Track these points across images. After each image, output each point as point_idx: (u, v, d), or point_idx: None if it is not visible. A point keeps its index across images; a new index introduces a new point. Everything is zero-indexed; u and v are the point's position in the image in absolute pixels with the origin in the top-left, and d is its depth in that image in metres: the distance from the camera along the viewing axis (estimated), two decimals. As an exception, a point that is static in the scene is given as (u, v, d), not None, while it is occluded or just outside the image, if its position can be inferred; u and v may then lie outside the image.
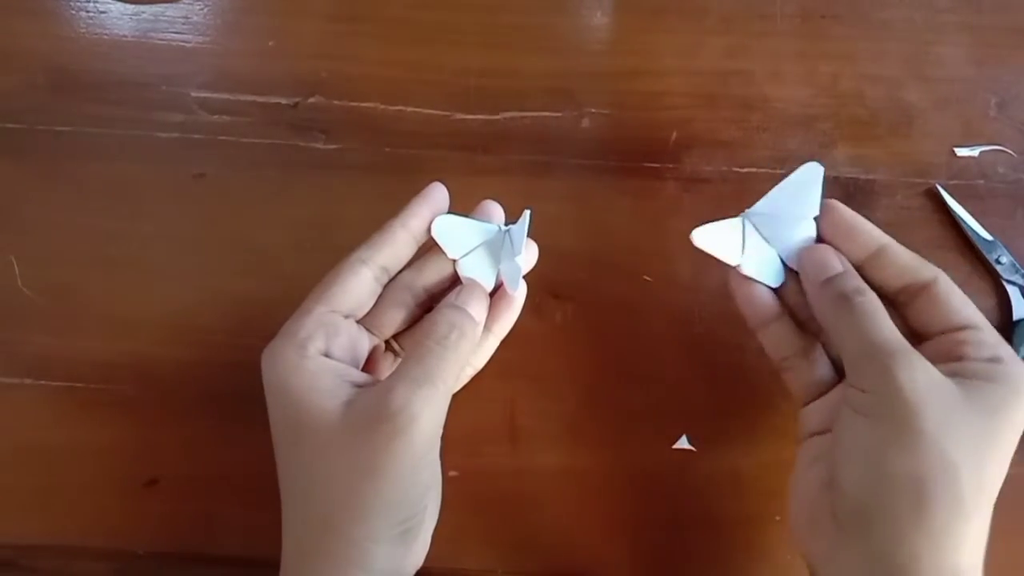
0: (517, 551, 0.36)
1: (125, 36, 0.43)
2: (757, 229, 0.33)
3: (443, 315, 0.30)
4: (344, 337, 0.30)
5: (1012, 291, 0.38)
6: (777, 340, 0.33)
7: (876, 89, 0.42)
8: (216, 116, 0.41)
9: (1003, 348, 0.29)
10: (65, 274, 0.39)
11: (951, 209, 0.39)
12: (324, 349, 0.29)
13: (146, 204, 0.40)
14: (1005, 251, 0.38)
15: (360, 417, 0.27)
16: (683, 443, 0.36)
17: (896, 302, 0.31)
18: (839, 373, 0.32)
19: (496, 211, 0.33)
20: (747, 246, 0.32)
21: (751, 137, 0.41)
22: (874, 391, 0.27)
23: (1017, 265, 0.38)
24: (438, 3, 0.43)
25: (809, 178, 0.32)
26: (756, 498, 0.35)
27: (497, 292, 0.33)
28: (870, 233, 0.31)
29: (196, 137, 0.41)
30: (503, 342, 0.34)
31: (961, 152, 0.41)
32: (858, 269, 0.31)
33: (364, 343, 0.31)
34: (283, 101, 0.41)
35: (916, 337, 0.30)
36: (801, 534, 0.30)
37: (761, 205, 0.33)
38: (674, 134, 0.41)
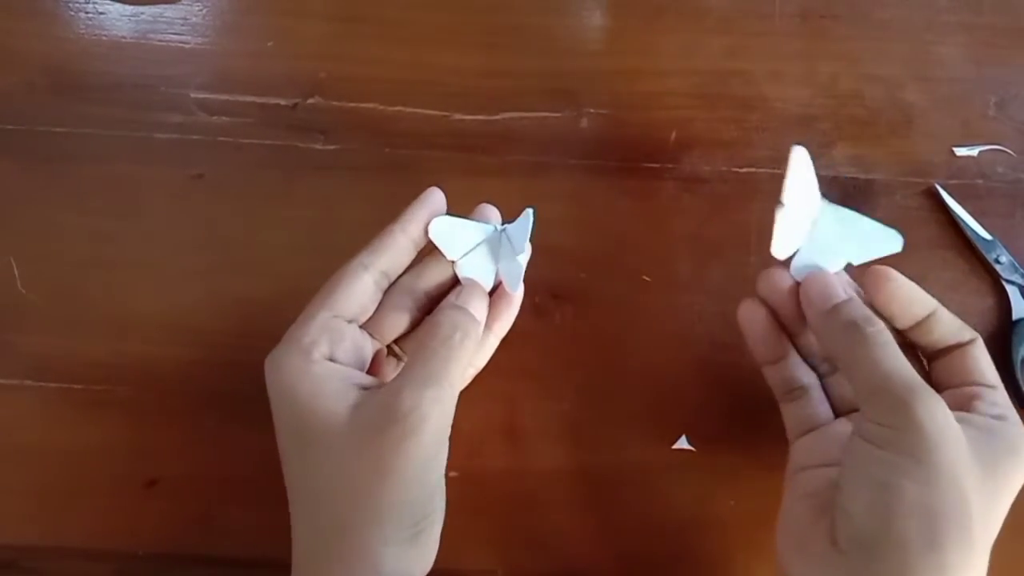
0: (517, 551, 0.36)
1: (124, 37, 0.43)
2: (818, 222, 0.32)
3: (446, 316, 0.30)
4: (348, 342, 0.30)
5: (1011, 290, 0.38)
6: (782, 378, 0.33)
7: (875, 89, 0.42)
8: (215, 117, 0.41)
9: (1012, 412, 0.29)
10: (64, 275, 0.39)
11: (950, 209, 0.39)
12: (329, 354, 0.29)
13: (145, 205, 0.40)
14: (1004, 251, 0.38)
15: (369, 420, 0.27)
16: (683, 443, 0.36)
17: (928, 355, 0.32)
18: (836, 411, 0.33)
19: (492, 213, 0.33)
20: (808, 230, 0.32)
21: (750, 137, 0.41)
22: (892, 425, 0.27)
23: (1016, 264, 0.38)
24: (437, 4, 0.43)
25: (887, 241, 0.31)
26: (756, 498, 0.35)
27: (496, 291, 0.33)
28: (924, 302, 0.31)
29: (195, 138, 0.41)
30: (503, 342, 0.34)
31: (960, 152, 0.41)
32: (904, 332, 0.31)
33: (367, 347, 0.31)
34: (282, 102, 0.41)
35: (932, 385, 0.30)
36: (789, 558, 0.30)
37: (838, 211, 0.32)
38: (673, 134, 0.41)
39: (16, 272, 0.39)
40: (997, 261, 0.38)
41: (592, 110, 0.41)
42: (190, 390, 0.37)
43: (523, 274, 0.32)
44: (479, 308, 0.31)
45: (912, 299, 0.31)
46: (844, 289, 0.31)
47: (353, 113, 0.41)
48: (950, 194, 0.39)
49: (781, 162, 0.40)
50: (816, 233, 0.32)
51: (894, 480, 0.26)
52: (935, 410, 0.27)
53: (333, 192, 0.40)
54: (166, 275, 0.39)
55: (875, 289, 0.31)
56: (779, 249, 0.31)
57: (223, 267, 0.39)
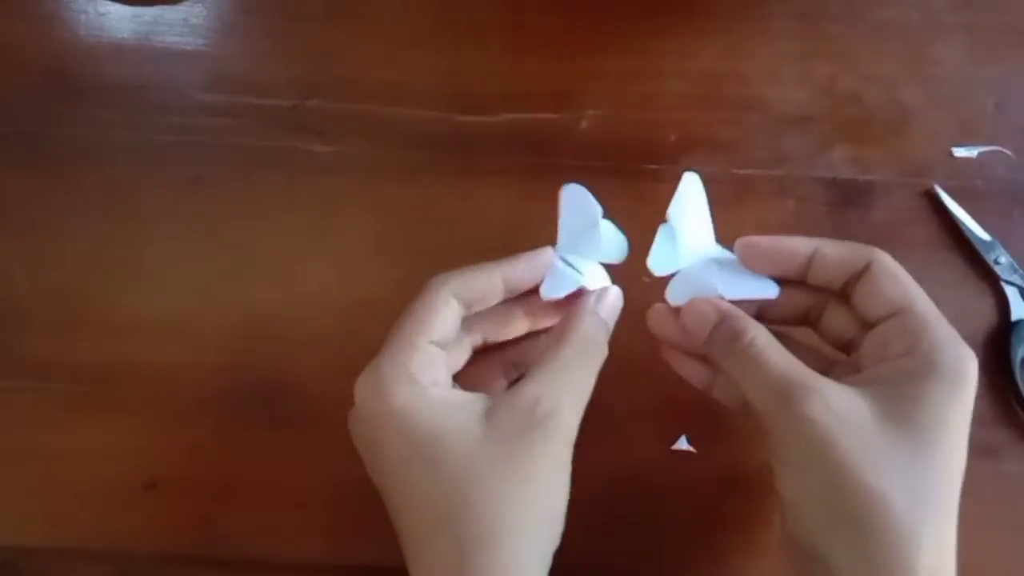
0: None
1: (124, 39, 0.43)
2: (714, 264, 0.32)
3: (584, 322, 0.30)
4: (444, 368, 0.29)
5: (1010, 291, 0.38)
6: (726, 396, 0.33)
7: (874, 89, 0.42)
8: (215, 119, 0.41)
9: (925, 332, 0.27)
10: (64, 277, 0.39)
11: (949, 209, 0.39)
12: (434, 379, 0.28)
13: (145, 207, 0.40)
14: (1003, 251, 0.38)
15: (508, 426, 0.27)
16: (682, 444, 0.36)
17: (844, 297, 0.31)
18: None
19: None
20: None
21: (749, 138, 0.41)
22: (783, 439, 0.27)
23: (1015, 265, 0.38)
24: (436, 5, 0.43)
25: (691, 189, 0.32)
26: (755, 499, 0.35)
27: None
28: (792, 247, 0.30)
29: (195, 140, 0.41)
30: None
31: (959, 152, 0.41)
32: (801, 283, 0.31)
33: (449, 370, 0.30)
34: (282, 103, 0.41)
35: (865, 329, 0.30)
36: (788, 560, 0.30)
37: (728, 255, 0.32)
38: (672, 135, 0.41)
39: (16, 273, 0.39)
40: (996, 262, 0.38)
41: (591, 111, 0.41)
42: (190, 392, 0.37)
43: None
44: (613, 318, 0.31)
45: (771, 249, 0.31)
46: (717, 308, 0.30)
47: (353, 114, 0.41)
48: (949, 195, 0.39)
49: (780, 163, 0.41)
50: (698, 267, 0.32)
51: (810, 499, 0.27)
52: (815, 406, 0.26)
53: (333, 194, 0.40)
54: (166, 277, 0.39)
55: (748, 261, 0.31)
56: (653, 262, 0.32)
57: (223, 269, 0.39)
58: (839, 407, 0.26)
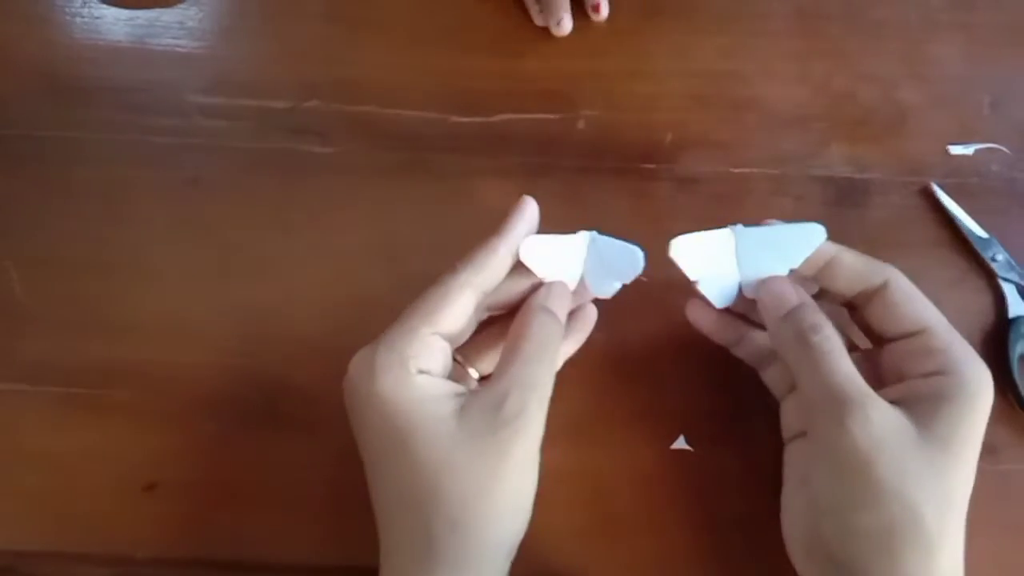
0: (517, 551, 0.36)
1: (120, 41, 0.43)
2: (736, 249, 0.33)
3: (538, 319, 0.30)
4: (442, 357, 0.30)
5: (1007, 288, 0.38)
6: (748, 352, 0.34)
7: (870, 88, 0.42)
8: (212, 120, 0.41)
9: (951, 352, 0.29)
10: (61, 279, 0.39)
11: (946, 207, 0.39)
12: (426, 368, 0.29)
13: (143, 209, 0.40)
14: (1000, 249, 0.39)
15: (479, 423, 0.28)
16: (681, 443, 0.36)
17: (854, 308, 0.31)
18: None
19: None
20: (718, 262, 0.32)
21: (746, 137, 0.41)
22: (829, 443, 0.28)
23: (1012, 263, 0.38)
24: (434, 6, 0.43)
25: (810, 237, 0.31)
26: (754, 498, 0.35)
27: (576, 311, 0.34)
28: (820, 249, 0.31)
29: (192, 141, 0.41)
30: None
31: (956, 150, 0.41)
32: (823, 288, 0.32)
33: (451, 361, 0.31)
34: (280, 105, 0.41)
35: (877, 341, 0.31)
36: (796, 558, 0.30)
37: (754, 232, 0.32)
38: (669, 135, 0.41)
39: (13, 276, 0.39)
40: (993, 259, 0.38)
41: (589, 112, 0.41)
42: (188, 394, 0.37)
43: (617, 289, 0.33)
44: (563, 311, 0.32)
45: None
46: (797, 292, 0.31)
47: (351, 116, 0.41)
48: (946, 193, 0.39)
49: (778, 162, 0.41)
50: (742, 258, 0.32)
51: (846, 506, 0.27)
52: (867, 423, 0.27)
53: (331, 195, 0.40)
54: (164, 279, 0.39)
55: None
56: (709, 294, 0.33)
57: (221, 271, 0.39)
58: (888, 424, 0.27)
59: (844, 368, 0.28)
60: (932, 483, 0.27)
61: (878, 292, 0.30)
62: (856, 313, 0.32)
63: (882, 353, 0.31)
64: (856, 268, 0.30)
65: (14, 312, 0.38)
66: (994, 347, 0.37)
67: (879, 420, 0.27)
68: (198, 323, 0.38)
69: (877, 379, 0.30)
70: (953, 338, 0.29)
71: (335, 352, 0.37)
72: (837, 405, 0.28)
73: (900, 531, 0.26)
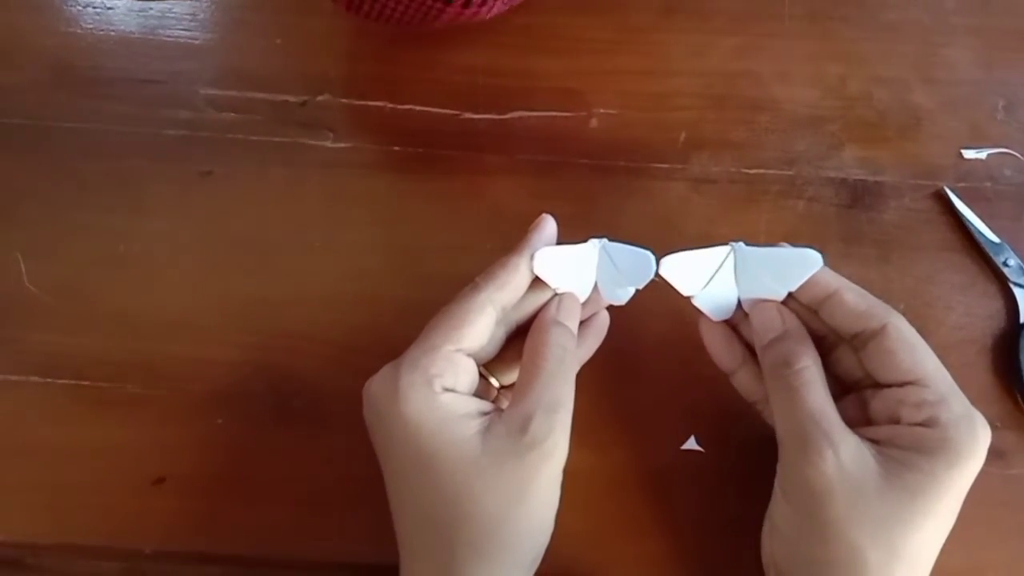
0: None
1: (132, 33, 0.43)
2: (735, 266, 0.33)
3: (553, 336, 0.30)
4: (467, 375, 0.30)
5: (1019, 294, 0.38)
6: (743, 386, 0.34)
7: (884, 91, 0.42)
8: (224, 113, 0.41)
9: (943, 407, 0.28)
10: (71, 271, 0.39)
11: (958, 211, 0.39)
12: (452, 387, 0.29)
13: (153, 201, 0.40)
14: (1012, 254, 0.38)
15: (504, 446, 0.27)
16: (692, 444, 0.36)
17: (853, 346, 0.31)
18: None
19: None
20: (715, 279, 0.32)
21: (759, 138, 0.41)
22: (791, 472, 0.28)
23: (1024, 268, 0.38)
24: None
25: (806, 263, 0.31)
26: (765, 500, 0.35)
27: (589, 319, 0.34)
28: (818, 282, 0.31)
29: (203, 134, 0.41)
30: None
31: (968, 154, 0.41)
32: (812, 314, 0.31)
33: (477, 377, 0.31)
34: (291, 99, 0.41)
35: (873, 384, 0.30)
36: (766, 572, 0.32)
37: (753, 251, 0.32)
38: (683, 135, 0.41)
39: (23, 268, 0.39)
40: (1005, 264, 0.38)
41: (601, 110, 0.41)
42: (198, 388, 0.37)
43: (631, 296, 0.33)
44: (574, 322, 0.32)
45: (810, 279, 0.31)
46: (784, 320, 0.31)
47: (362, 111, 0.41)
48: (958, 197, 0.39)
49: (791, 164, 0.41)
50: (741, 275, 0.32)
51: (798, 536, 0.28)
52: (827, 462, 0.27)
53: (342, 190, 0.40)
54: (174, 272, 0.39)
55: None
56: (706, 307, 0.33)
57: (232, 265, 0.39)
58: (849, 466, 0.27)
59: (815, 402, 0.28)
60: (885, 530, 0.27)
61: (876, 336, 0.29)
62: (856, 350, 0.31)
63: (876, 393, 0.30)
64: (856, 309, 0.30)
65: (24, 304, 0.38)
66: (1004, 352, 0.37)
67: (843, 458, 0.27)
68: (208, 317, 0.38)
69: (867, 416, 0.30)
70: (949, 392, 0.28)
71: (344, 346, 0.37)
72: (801, 438, 0.28)
73: (843, 570, 0.27)
